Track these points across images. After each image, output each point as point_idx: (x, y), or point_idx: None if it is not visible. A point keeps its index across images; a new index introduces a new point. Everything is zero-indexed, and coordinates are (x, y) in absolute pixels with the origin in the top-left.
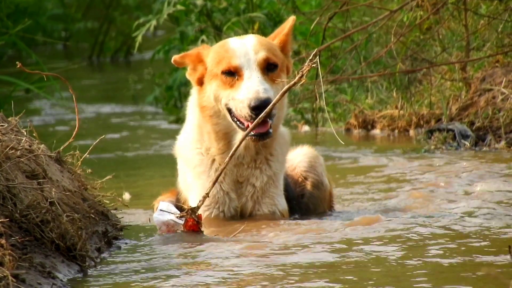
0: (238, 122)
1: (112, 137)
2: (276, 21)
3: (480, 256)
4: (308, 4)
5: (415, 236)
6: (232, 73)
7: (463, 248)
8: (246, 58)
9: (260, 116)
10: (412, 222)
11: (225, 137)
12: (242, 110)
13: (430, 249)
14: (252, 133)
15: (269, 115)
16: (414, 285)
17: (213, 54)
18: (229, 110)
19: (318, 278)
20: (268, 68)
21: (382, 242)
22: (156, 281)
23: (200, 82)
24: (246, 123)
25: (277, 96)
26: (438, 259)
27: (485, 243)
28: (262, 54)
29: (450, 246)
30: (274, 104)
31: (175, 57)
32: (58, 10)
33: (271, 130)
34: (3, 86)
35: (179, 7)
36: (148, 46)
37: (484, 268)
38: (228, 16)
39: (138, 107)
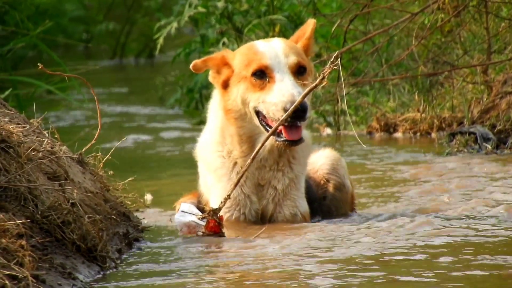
0: (266, 126)
1: (134, 139)
2: (297, 23)
3: (504, 260)
4: (329, 6)
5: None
6: (263, 76)
7: (480, 257)
8: (277, 60)
9: (283, 117)
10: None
11: (249, 140)
12: (276, 113)
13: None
14: (284, 138)
15: (303, 118)
16: None
17: (240, 57)
18: (257, 113)
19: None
20: (298, 71)
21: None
22: (177, 283)
23: (225, 85)
24: (279, 128)
25: (299, 98)
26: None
27: (505, 250)
28: (293, 58)
29: (467, 255)
30: (296, 106)
31: (196, 62)
32: (79, 12)
33: (303, 137)
34: (24, 88)
35: (200, 9)
36: (172, 47)
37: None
38: (249, 18)
39: (161, 109)
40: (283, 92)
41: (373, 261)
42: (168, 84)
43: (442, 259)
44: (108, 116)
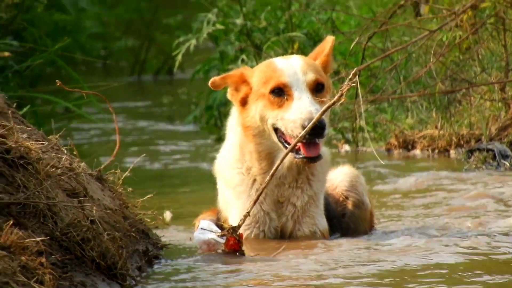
0: (284, 142)
1: (152, 156)
2: (315, 40)
3: None
4: (347, 23)
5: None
6: (281, 93)
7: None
8: (295, 78)
9: (301, 134)
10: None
11: (268, 157)
12: (294, 130)
13: None
14: (303, 155)
15: (321, 135)
16: None
17: (259, 74)
18: (276, 130)
19: None
20: (316, 88)
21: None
22: None
23: (244, 102)
24: (298, 145)
25: (317, 115)
26: None
27: None
28: (311, 75)
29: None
30: (315, 122)
31: (214, 79)
32: (97, 29)
33: (321, 154)
34: (42, 104)
35: (218, 26)
36: (191, 64)
37: None
38: (268, 35)
39: (176, 126)
40: (301, 110)
41: (391, 279)
42: (179, 102)
43: (460, 277)
44: (126, 132)
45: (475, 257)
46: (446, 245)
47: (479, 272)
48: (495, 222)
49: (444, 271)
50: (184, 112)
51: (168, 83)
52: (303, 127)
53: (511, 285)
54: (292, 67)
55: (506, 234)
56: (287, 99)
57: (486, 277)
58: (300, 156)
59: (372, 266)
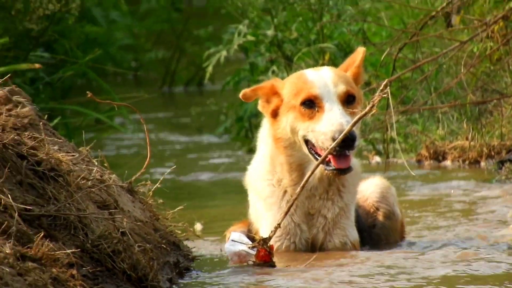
0: (315, 154)
1: (183, 167)
2: (346, 52)
3: None
4: (379, 34)
5: None
6: (312, 105)
7: None
8: (326, 89)
9: (331, 146)
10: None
11: (299, 168)
12: (324, 142)
13: None
14: (333, 167)
15: (352, 147)
16: None
17: (290, 86)
18: (306, 142)
19: None
20: (347, 100)
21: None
22: None
23: (275, 114)
24: (328, 157)
25: (348, 126)
26: None
27: None
28: (342, 87)
29: None
30: (345, 134)
31: (245, 91)
32: (128, 40)
33: (352, 165)
34: (73, 116)
35: (249, 37)
36: (221, 75)
37: None
38: (299, 46)
39: (206, 137)
40: (332, 122)
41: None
42: (206, 113)
43: None
44: (157, 144)
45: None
46: (480, 257)
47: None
48: None
49: (479, 282)
50: (213, 123)
51: (198, 94)
52: (334, 139)
53: None
54: (323, 79)
55: None
56: (318, 111)
57: None
58: (331, 168)
59: (404, 276)
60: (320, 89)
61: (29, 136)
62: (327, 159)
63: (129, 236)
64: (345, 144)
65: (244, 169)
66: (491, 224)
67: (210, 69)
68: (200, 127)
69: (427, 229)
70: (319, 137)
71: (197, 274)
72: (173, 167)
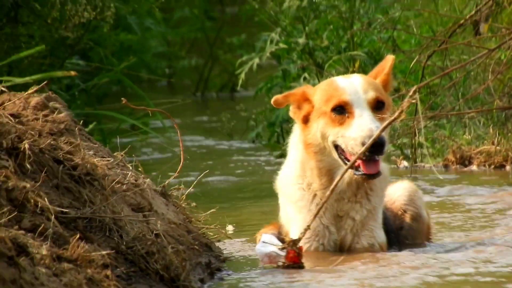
0: (344, 159)
1: (215, 171)
2: (376, 59)
3: None
4: (408, 42)
5: None
6: (342, 111)
7: None
8: (356, 96)
9: (361, 151)
10: None
11: (328, 173)
12: (354, 147)
13: None
14: (362, 172)
15: (381, 152)
16: None
17: (320, 93)
18: (336, 147)
19: None
20: (377, 106)
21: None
22: None
23: (305, 120)
24: (357, 162)
25: (377, 131)
26: None
27: None
28: (371, 94)
29: None
30: (374, 139)
31: (277, 97)
32: (162, 48)
33: (381, 170)
34: (108, 122)
35: (281, 45)
36: (253, 82)
37: None
38: (330, 54)
39: (237, 143)
40: (362, 127)
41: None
42: (238, 118)
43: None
44: (190, 148)
45: None
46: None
47: None
48: None
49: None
50: (243, 129)
51: (230, 100)
52: (363, 145)
53: None
54: (353, 86)
55: None
56: (348, 117)
57: None
58: (360, 173)
59: (429, 277)
60: (350, 96)
61: (65, 141)
62: (356, 164)
63: (163, 237)
64: (374, 149)
65: (274, 174)
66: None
67: (242, 75)
68: (231, 132)
69: (452, 231)
70: (348, 143)
71: (228, 274)
72: (205, 171)
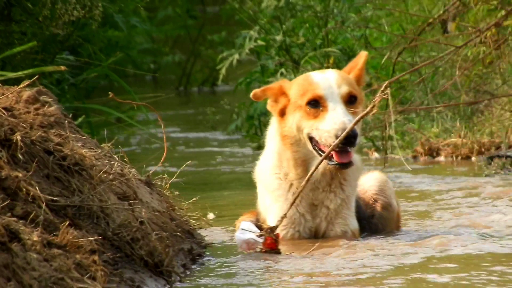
0: (319, 150)
1: (197, 162)
2: (349, 55)
3: None
4: (379, 40)
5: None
6: (317, 105)
7: None
8: (330, 91)
9: (334, 143)
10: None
11: (304, 164)
12: (328, 139)
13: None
14: (335, 162)
15: (353, 144)
16: None
17: (296, 87)
18: (311, 139)
19: None
20: (350, 100)
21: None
22: None
23: (282, 113)
24: (331, 153)
25: (351, 125)
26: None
27: None
28: (345, 88)
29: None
30: (347, 132)
31: (255, 91)
32: (147, 45)
33: (353, 160)
34: (96, 115)
35: (259, 42)
36: (233, 77)
37: None
38: (305, 50)
39: (218, 135)
40: (335, 120)
41: (414, 271)
42: (222, 112)
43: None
44: (173, 140)
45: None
46: (464, 244)
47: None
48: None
49: (456, 268)
50: (225, 122)
51: (211, 94)
52: (337, 137)
53: None
54: (328, 81)
55: None
56: (322, 110)
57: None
58: (333, 163)
59: (397, 261)
60: (324, 90)
61: (55, 133)
62: (330, 155)
63: (147, 225)
64: (347, 141)
65: (253, 164)
66: (479, 214)
67: (223, 71)
68: (214, 125)
69: (421, 219)
70: (323, 135)
71: (209, 260)
72: (188, 162)
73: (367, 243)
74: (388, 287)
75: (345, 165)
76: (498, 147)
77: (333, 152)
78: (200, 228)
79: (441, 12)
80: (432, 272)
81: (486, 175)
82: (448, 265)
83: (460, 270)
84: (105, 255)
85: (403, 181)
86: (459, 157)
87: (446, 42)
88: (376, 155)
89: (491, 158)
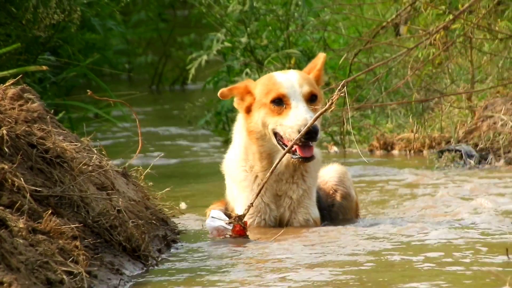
0: (283, 145)
1: (169, 155)
2: (309, 57)
3: (484, 257)
4: (337, 42)
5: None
6: (280, 103)
7: (465, 254)
8: (293, 90)
9: (297, 138)
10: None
11: (268, 157)
12: (291, 134)
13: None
14: (299, 156)
15: (315, 139)
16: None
17: (261, 86)
18: (275, 134)
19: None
20: (311, 99)
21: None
22: (208, 277)
23: (248, 110)
24: (294, 147)
25: (311, 120)
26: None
27: (486, 247)
28: (306, 88)
29: (456, 252)
30: (308, 127)
31: (222, 90)
32: (122, 46)
33: (314, 154)
34: (76, 111)
35: (226, 44)
36: (202, 76)
37: (486, 267)
38: (268, 52)
39: (191, 130)
40: (297, 117)
41: (368, 259)
42: (196, 108)
43: (428, 255)
44: (147, 135)
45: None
46: (421, 230)
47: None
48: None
49: (406, 252)
50: (196, 118)
51: (181, 92)
52: (299, 132)
53: (474, 263)
54: (290, 81)
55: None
56: (285, 108)
57: (458, 255)
58: (296, 156)
59: (357, 248)
60: (287, 89)
61: (38, 128)
62: (293, 149)
63: (124, 213)
64: (309, 136)
65: (221, 157)
66: (429, 204)
67: (192, 71)
68: (189, 120)
69: (377, 208)
70: (286, 130)
71: (182, 245)
72: (161, 155)
73: (328, 231)
74: (349, 267)
75: (308, 159)
76: (448, 142)
77: (296, 147)
78: (173, 216)
79: (393, 16)
80: (389, 250)
81: (437, 168)
82: (404, 246)
83: (417, 249)
84: (86, 241)
85: (359, 173)
86: (412, 151)
87: (398, 44)
88: (335, 148)
89: (441, 151)
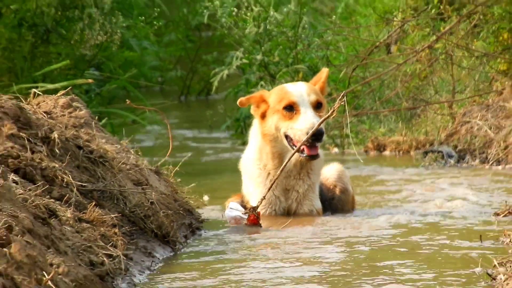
0: (292, 145)
1: (196, 155)
2: (314, 71)
3: (460, 241)
4: (338, 59)
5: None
6: (291, 109)
7: (445, 239)
8: (301, 98)
9: (305, 139)
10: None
11: (279, 156)
12: (301, 136)
13: (420, 239)
14: (306, 154)
15: (320, 140)
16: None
17: (274, 96)
18: (286, 137)
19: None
20: (317, 106)
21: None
22: (227, 257)
23: (263, 116)
24: (302, 147)
25: (316, 125)
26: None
27: (461, 233)
28: (313, 96)
29: (437, 237)
30: (315, 130)
31: (241, 99)
32: (156, 62)
33: (320, 153)
34: (116, 118)
35: (244, 60)
36: (223, 88)
37: (463, 251)
38: (280, 67)
39: (214, 133)
40: (306, 121)
41: (363, 242)
42: (217, 115)
43: (412, 239)
44: (177, 137)
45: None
46: (408, 221)
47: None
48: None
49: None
50: (219, 123)
51: (206, 101)
52: (307, 134)
53: (452, 248)
54: (299, 90)
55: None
56: (295, 113)
57: (446, 243)
58: (304, 155)
59: (354, 233)
60: (297, 98)
61: (84, 132)
62: (301, 148)
63: (156, 205)
64: (315, 137)
65: (239, 157)
66: (417, 198)
67: (215, 83)
68: (211, 125)
69: (371, 201)
70: (296, 133)
71: (204, 232)
72: (188, 155)
73: (329, 220)
74: (351, 248)
75: (314, 157)
76: (431, 144)
77: (304, 147)
78: (198, 207)
79: (385, 37)
80: (384, 238)
81: (422, 166)
82: (393, 231)
83: (404, 234)
84: (123, 228)
85: (356, 171)
86: (401, 152)
87: (390, 61)
88: (335, 150)
89: (426, 152)
